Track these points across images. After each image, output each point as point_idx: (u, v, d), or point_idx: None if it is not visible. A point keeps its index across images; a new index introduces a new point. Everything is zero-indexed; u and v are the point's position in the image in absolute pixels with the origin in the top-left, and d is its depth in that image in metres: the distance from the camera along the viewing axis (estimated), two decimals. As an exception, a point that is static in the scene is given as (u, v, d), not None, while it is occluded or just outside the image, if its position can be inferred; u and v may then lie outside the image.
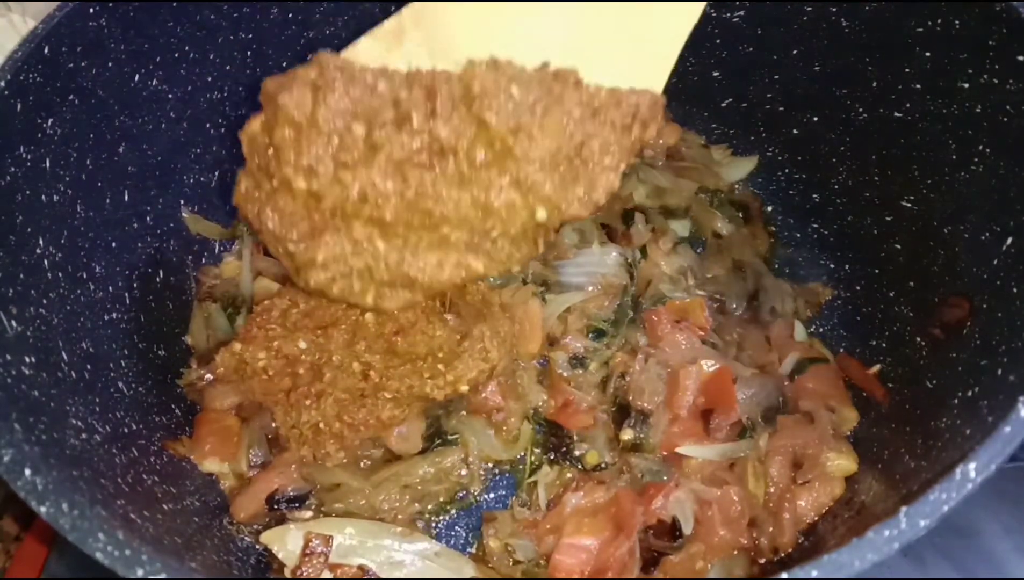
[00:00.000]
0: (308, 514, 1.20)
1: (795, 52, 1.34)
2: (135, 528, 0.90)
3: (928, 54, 1.12)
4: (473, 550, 1.24)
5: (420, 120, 0.95)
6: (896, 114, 1.20)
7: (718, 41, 1.45)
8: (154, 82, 1.21)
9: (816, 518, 1.16)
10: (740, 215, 1.50)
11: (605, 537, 1.14)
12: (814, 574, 0.68)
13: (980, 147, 1.07)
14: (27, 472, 0.78)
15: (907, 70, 1.16)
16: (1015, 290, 0.98)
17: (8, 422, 0.83)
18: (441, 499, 1.25)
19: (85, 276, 1.11)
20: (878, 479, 1.11)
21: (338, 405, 1.19)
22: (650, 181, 1.48)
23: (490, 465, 1.28)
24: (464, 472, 1.26)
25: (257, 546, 1.18)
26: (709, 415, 1.22)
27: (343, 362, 1.22)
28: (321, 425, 1.19)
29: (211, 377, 1.30)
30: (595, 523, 1.16)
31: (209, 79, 1.31)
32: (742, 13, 1.38)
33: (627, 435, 1.24)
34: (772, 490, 1.18)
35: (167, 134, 1.27)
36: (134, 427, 1.13)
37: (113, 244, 1.18)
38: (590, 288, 1.37)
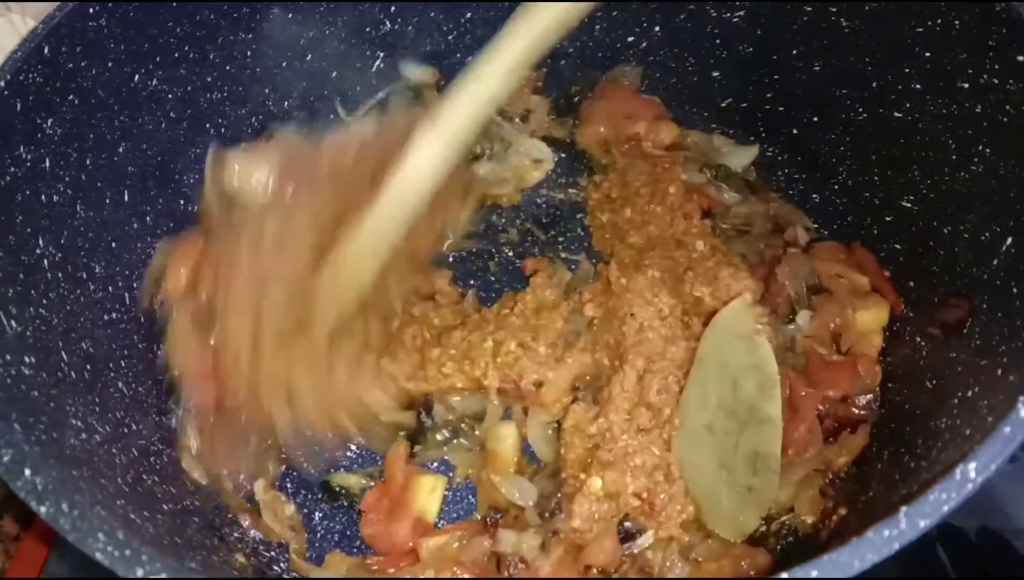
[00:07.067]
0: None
1: (795, 52, 1.34)
2: (135, 528, 0.89)
3: (928, 54, 1.12)
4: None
5: None
6: (896, 114, 1.20)
7: (718, 41, 1.45)
8: (154, 82, 1.21)
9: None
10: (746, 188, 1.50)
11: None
12: (814, 574, 0.67)
13: (980, 147, 1.06)
14: (27, 472, 0.77)
15: (907, 70, 1.16)
16: (1015, 290, 0.97)
17: (8, 422, 0.82)
18: None
19: (85, 276, 1.11)
20: (878, 479, 1.11)
21: None
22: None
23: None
24: None
25: (257, 547, 1.18)
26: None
27: None
28: None
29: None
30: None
31: (209, 79, 1.30)
32: (742, 13, 1.38)
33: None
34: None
35: (167, 134, 1.26)
36: (134, 427, 1.12)
37: (113, 244, 1.18)
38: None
